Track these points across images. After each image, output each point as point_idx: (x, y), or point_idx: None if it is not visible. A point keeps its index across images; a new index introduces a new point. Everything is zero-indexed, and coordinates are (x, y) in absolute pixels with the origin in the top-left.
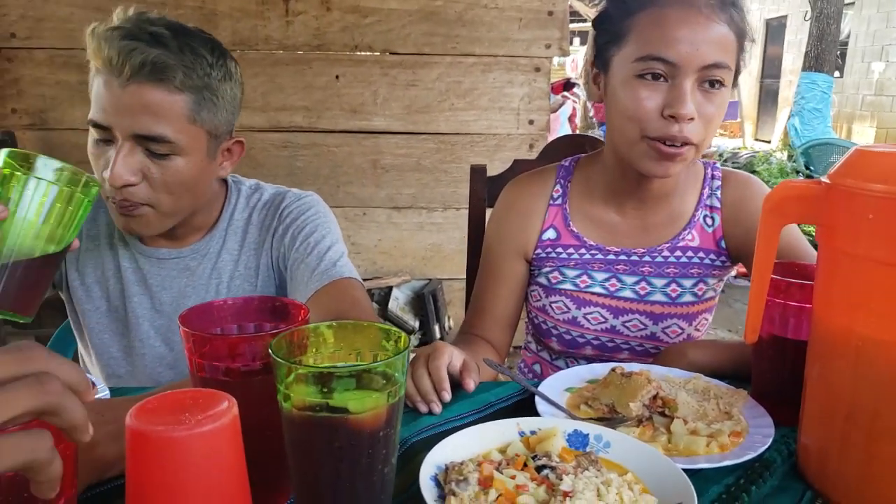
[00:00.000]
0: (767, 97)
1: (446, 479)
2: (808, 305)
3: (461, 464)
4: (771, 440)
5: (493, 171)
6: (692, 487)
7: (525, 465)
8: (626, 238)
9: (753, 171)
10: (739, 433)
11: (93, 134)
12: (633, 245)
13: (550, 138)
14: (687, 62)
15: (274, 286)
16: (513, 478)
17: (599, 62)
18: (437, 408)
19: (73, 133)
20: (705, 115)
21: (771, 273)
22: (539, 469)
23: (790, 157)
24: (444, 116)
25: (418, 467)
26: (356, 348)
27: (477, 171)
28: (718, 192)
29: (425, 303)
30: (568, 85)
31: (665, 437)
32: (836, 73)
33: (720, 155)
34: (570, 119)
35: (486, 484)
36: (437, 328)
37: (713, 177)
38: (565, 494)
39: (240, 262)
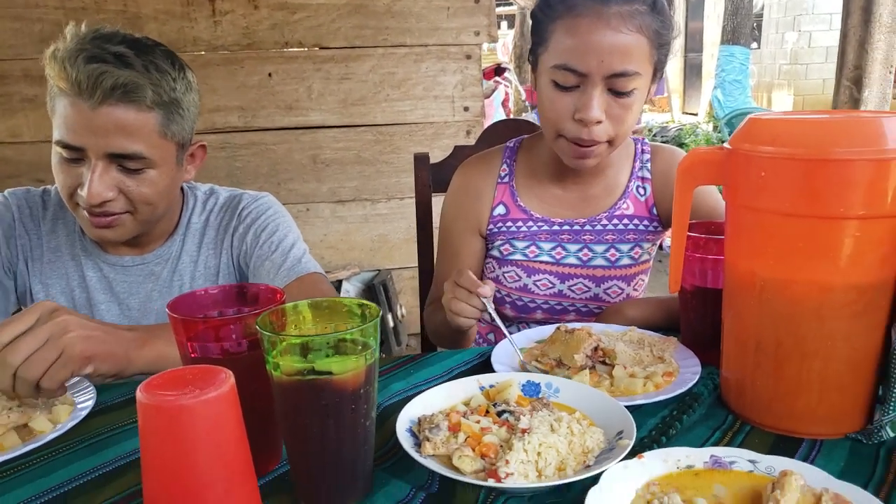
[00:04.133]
0: (692, 71)
1: (420, 429)
2: (721, 257)
3: (432, 415)
4: (698, 377)
5: (434, 158)
6: (631, 418)
7: (487, 412)
8: (569, 210)
9: (681, 144)
10: (671, 373)
11: (60, 153)
12: (574, 216)
13: (486, 124)
14: (595, 72)
15: (236, 280)
16: (477, 422)
17: (532, 58)
18: (483, 306)
19: None
20: (614, 115)
21: (687, 229)
22: (500, 414)
23: (715, 128)
24: (381, 108)
25: (394, 424)
26: (332, 321)
27: (420, 160)
28: (648, 165)
29: (376, 293)
30: (499, 70)
31: (608, 382)
32: (754, 44)
33: (650, 130)
34: (504, 103)
35: (455, 429)
36: (389, 317)
37: (643, 151)
38: (523, 431)
39: (199, 262)
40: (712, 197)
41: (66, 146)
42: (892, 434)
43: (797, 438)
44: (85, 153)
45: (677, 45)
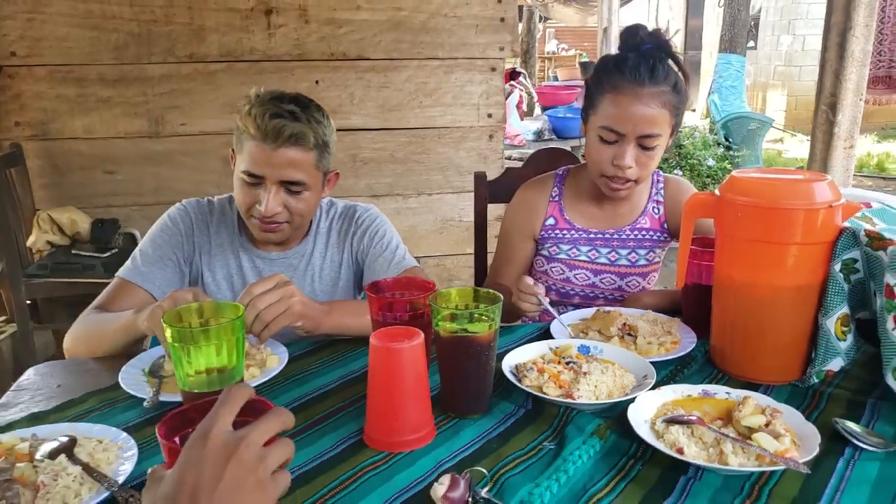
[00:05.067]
0: (691, 68)
1: (518, 371)
2: (712, 263)
3: (525, 363)
4: (694, 345)
5: (460, 159)
6: (652, 367)
7: (559, 362)
8: (602, 223)
9: (681, 146)
10: (676, 342)
11: (243, 178)
12: (606, 227)
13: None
14: (630, 133)
15: (352, 274)
16: (555, 367)
17: (584, 115)
18: (540, 303)
19: (73, 142)
20: (641, 163)
21: (689, 245)
22: (568, 363)
23: (711, 129)
24: (414, 113)
25: (500, 368)
26: (466, 301)
27: (479, 177)
28: (662, 191)
29: None
30: (514, 74)
31: (633, 347)
32: (751, 43)
33: None
34: (518, 106)
35: (541, 371)
36: None
37: (658, 181)
38: (584, 373)
39: (326, 258)
40: (707, 222)
41: (250, 174)
42: (817, 380)
43: (757, 384)
44: (263, 180)
45: (678, 40)
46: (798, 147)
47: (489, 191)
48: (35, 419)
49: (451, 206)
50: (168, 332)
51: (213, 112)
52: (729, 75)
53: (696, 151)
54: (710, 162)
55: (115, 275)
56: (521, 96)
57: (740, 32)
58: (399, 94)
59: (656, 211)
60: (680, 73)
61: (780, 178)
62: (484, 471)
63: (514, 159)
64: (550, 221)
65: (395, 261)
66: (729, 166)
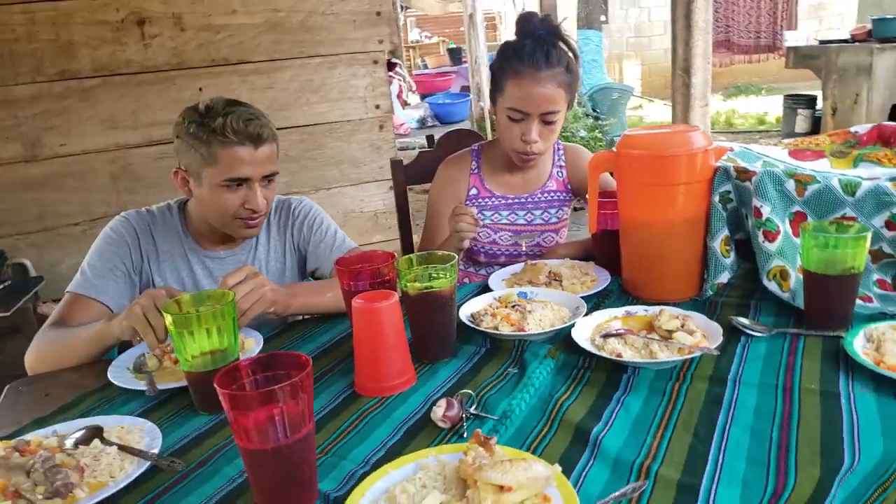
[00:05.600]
0: None
1: (474, 318)
2: (616, 211)
3: (479, 311)
4: (609, 281)
5: (352, 153)
6: (582, 300)
7: (506, 306)
8: (517, 189)
9: None
10: (595, 280)
11: (227, 185)
12: (521, 193)
13: None
14: (533, 112)
15: (296, 262)
16: (505, 311)
17: (492, 96)
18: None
19: None
20: (545, 136)
21: (597, 197)
22: (514, 306)
23: (579, 102)
24: (302, 111)
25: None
26: (424, 264)
27: (395, 164)
28: (563, 158)
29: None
30: (391, 65)
31: (561, 289)
32: (602, 17)
33: None
34: (398, 96)
35: (493, 315)
36: None
37: (558, 149)
38: (529, 311)
39: (270, 251)
40: (606, 178)
41: (235, 179)
42: (711, 293)
43: (666, 303)
44: (248, 180)
45: None
46: (656, 111)
47: (406, 174)
48: (39, 423)
49: (351, 198)
50: (169, 320)
51: (94, 129)
52: (589, 50)
53: (569, 124)
54: (583, 133)
55: (66, 290)
56: (399, 86)
57: (595, 9)
58: (285, 94)
59: (560, 175)
60: (570, 54)
61: (664, 132)
62: (471, 392)
63: (404, 148)
64: (473, 192)
65: (337, 245)
66: (599, 135)
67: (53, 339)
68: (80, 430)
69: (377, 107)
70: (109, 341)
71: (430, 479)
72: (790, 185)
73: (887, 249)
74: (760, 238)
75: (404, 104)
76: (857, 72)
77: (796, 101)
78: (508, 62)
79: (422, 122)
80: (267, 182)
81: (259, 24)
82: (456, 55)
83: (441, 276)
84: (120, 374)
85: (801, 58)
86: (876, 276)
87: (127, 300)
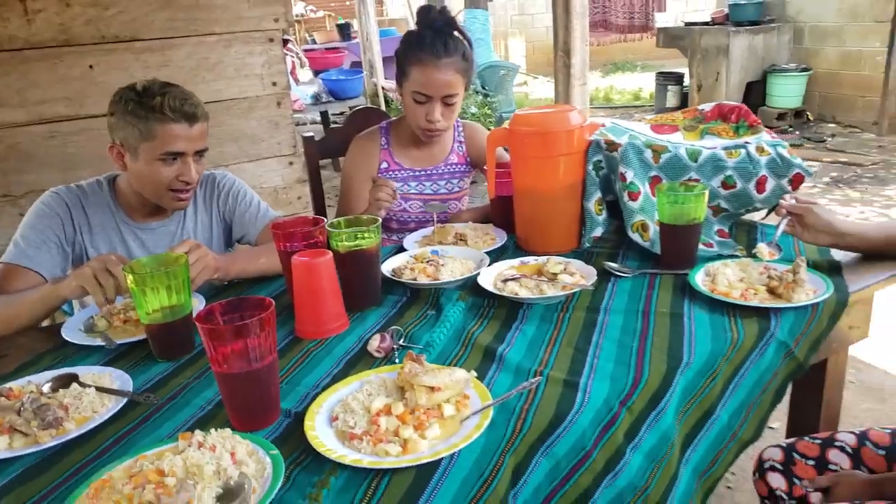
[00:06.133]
0: None
1: (395, 272)
2: (510, 179)
3: (398, 267)
4: (506, 239)
5: (251, 130)
6: (485, 255)
7: (421, 261)
8: (423, 162)
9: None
10: (494, 239)
11: (164, 159)
12: (426, 165)
13: None
14: (435, 95)
15: (222, 232)
16: (421, 266)
17: (398, 79)
18: (394, 196)
19: None
20: (446, 115)
21: (494, 168)
22: (428, 261)
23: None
24: (200, 89)
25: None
26: (356, 225)
27: (308, 140)
28: (462, 134)
29: None
30: (283, 41)
31: (466, 246)
32: None
33: None
34: (291, 72)
35: (412, 269)
36: None
37: (458, 126)
38: (442, 265)
39: (197, 222)
40: (500, 152)
41: (171, 153)
42: (588, 245)
43: (551, 254)
44: (183, 155)
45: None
46: (540, 87)
47: (318, 149)
48: (4, 379)
49: (251, 173)
50: (130, 279)
51: None
52: (476, 29)
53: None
54: (473, 109)
55: (0, 261)
56: (293, 62)
57: None
58: (181, 72)
59: (460, 150)
60: (466, 43)
61: (547, 112)
62: (399, 328)
63: (300, 124)
64: (384, 165)
65: (261, 214)
66: (489, 111)
67: None
68: (54, 378)
69: (274, 84)
70: (55, 302)
71: (374, 390)
72: (648, 154)
73: (724, 205)
74: (625, 198)
75: (297, 80)
76: (717, 52)
77: (666, 79)
78: (412, 51)
79: (316, 98)
80: (198, 157)
81: (150, 1)
82: (345, 31)
83: (367, 236)
84: (74, 334)
85: (670, 38)
86: (717, 227)
87: (60, 271)
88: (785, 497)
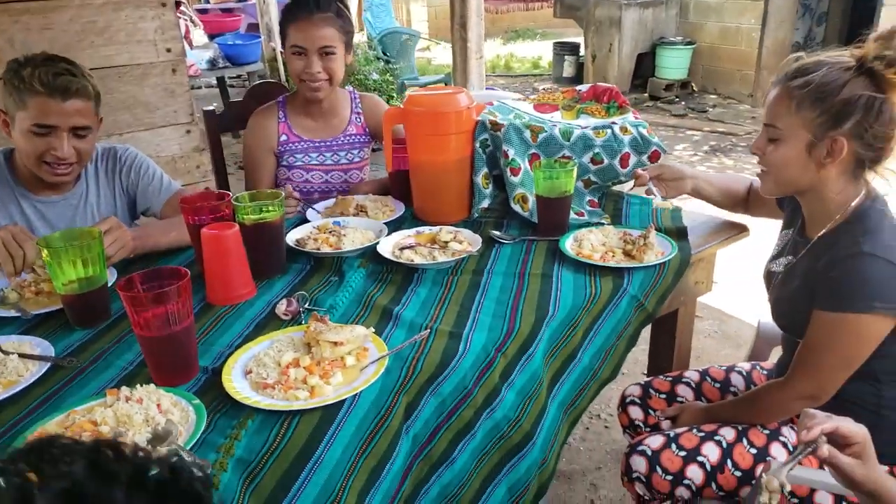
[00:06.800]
0: None
1: (299, 243)
2: (406, 155)
3: (302, 238)
4: (404, 210)
5: (145, 96)
6: (384, 225)
7: (324, 232)
8: (322, 133)
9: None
10: (392, 210)
11: (34, 130)
12: (326, 136)
13: None
14: (310, 48)
15: (125, 205)
16: (323, 238)
17: (283, 45)
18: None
19: None
20: (327, 68)
21: (391, 143)
22: (330, 232)
23: (370, 46)
24: (87, 54)
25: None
26: (259, 199)
27: (208, 114)
28: (360, 104)
29: None
30: (175, 4)
31: (367, 217)
32: None
33: None
34: (185, 36)
35: (315, 239)
36: None
37: (355, 98)
38: (343, 235)
39: (100, 195)
40: (398, 128)
41: (41, 126)
42: (476, 215)
43: (444, 223)
44: (55, 129)
45: None
46: (443, 53)
47: (218, 122)
48: None
49: (147, 142)
50: (45, 252)
51: None
52: None
53: (362, 66)
54: (375, 76)
55: None
56: (186, 26)
57: None
58: (66, 36)
59: (358, 121)
60: (339, 3)
61: (438, 94)
62: (304, 293)
63: (195, 88)
64: (283, 138)
65: (164, 187)
66: (391, 78)
67: None
68: None
69: (168, 50)
70: None
71: (283, 346)
72: (527, 133)
73: (594, 179)
74: (508, 173)
75: (192, 44)
76: (611, 24)
77: (563, 49)
78: (290, 12)
79: (212, 64)
80: (76, 135)
81: None
82: None
83: (271, 209)
84: None
85: (566, 8)
86: (588, 198)
87: None
88: (642, 426)
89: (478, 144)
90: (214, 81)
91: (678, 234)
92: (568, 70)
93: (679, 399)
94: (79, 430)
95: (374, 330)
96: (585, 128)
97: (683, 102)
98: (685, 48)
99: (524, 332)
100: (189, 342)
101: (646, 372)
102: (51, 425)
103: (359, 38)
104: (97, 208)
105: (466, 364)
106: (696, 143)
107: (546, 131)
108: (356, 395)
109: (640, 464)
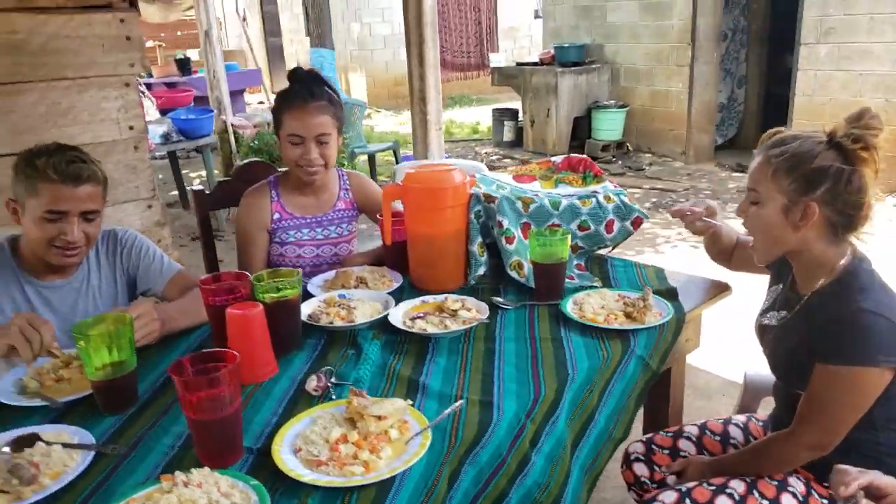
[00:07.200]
0: (274, 53)
1: (312, 318)
2: (404, 227)
3: (313, 312)
4: (402, 281)
5: (109, 173)
6: (388, 295)
7: (333, 305)
8: (313, 210)
9: None
10: (391, 281)
11: (45, 217)
12: (316, 213)
13: None
14: (307, 136)
15: (125, 285)
16: (335, 310)
17: (276, 132)
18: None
19: None
20: (324, 154)
21: (390, 217)
22: (339, 305)
23: None
24: (52, 134)
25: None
26: (278, 276)
27: (198, 194)
28: (347, 181)
29: None
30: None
31: (368, 288)
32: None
33: (268, 124)
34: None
35: (328, 314)
36: None
37: (342, 176)
38: (354, 308)
39: (101, 277)
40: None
41: (54, 212)
42: (473, 282)
43: (444, 292)
44: (66, 215)
45: (258, 29)
46: (384, 121)
47: (207, 201)
48: None
49: (109, 218)
50: (81, 342)
51: None
52: (323, 68)
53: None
54: None
55: None
56: (140, 102)
57: (326, 28)
58: (30, 118)
59: (346, 196)
60: (330, 91)
61: (435, 171)
62: (331, 367)
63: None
64: (276, 216)
65: (164, 268)
66: (342, 147)
67: None
68: (11, 440)
69: (131, 128)
70: None
71: (327, 422)
72: (519, 204)
73: (581, 244)
74: (503, 242)
75: (145, 117)
76: (547, 90)
77: (502, 114)
78: (284, 102)
79: (166, 138)
80: (86, 219)
81: None
82: (185, 65)
83: (289, 287)
84: (10, 397)
85: (504, 77)
86: (575, 262)
87: None
88: (648, 482)
89: (472, 216)
90: (167, 156)
91: (669, 294)
92: (508, 135)
93: (682, 454)
94: None
95: (411, 402)
96: (572, 197)
97: (620, 161)
98: (619, 111)
99: (549, 397)
100: (238, 424)
101: (642, 429)
102: None
103: None
104: (98, 290)
105: (501, 432)
106: (638, 199)
107: (536, 202)
108: (408, 468)
109: None
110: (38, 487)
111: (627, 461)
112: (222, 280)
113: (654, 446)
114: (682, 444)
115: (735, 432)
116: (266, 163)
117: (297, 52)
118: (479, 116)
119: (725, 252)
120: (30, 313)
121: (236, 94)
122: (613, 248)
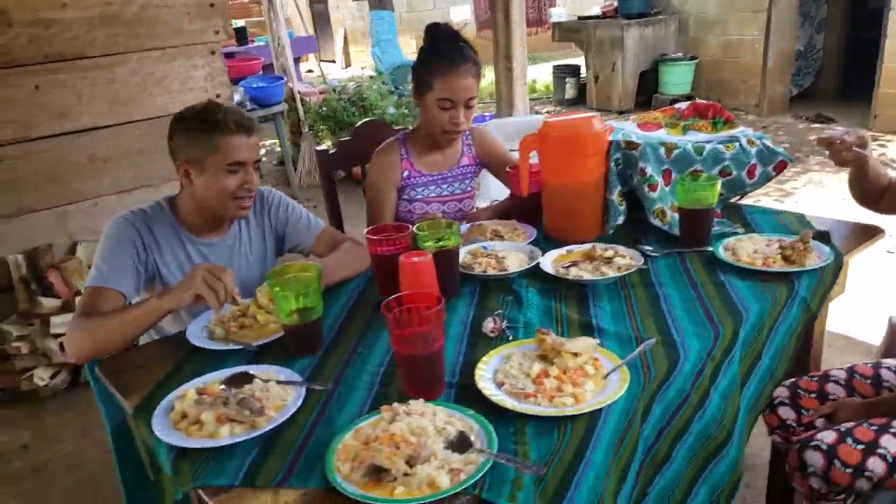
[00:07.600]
0: (321, 20)
1: (465, 267)
2: (538, 177)
3: (464, 262)
4: (536, 231)
5: None
6: (531, 246)
7: (480, 256)
8: (439, 167)
9: (364, 97)
10: (524, 233)
11: (230, 169)
12: (442, 170)
13: None
14: (459, 100)
15: (273, 242)
16: (484, 258)
17: (419, 93)
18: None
19: None
20: (467, 116)
21: (527, 168)
22: (487, 255)
23: (383, 81)
24: (146, 104)
25: None
26: (437, 228)
27: (320, 152)
28: (470, 136)
29: None
30: None
31: (504, 240)
32: None
33: (334, 89)
34: None
35: (479, 263)
36: None
37: (466, 131)
38: (503, 257)
39: (251, 236)
40: (509, 155)
41: (237, 163)
42: (611, 231)
43: (581, 241)
44: (244, 164)
45: None
46: None
47: (330, 161)
48: (163, 386)
49: None
50: (276, 287)
51: None
52: (384, 30)
53: (378, 102)
54: (392, 110)
55: (85, 286)
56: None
57: None
58: (127, 88)
59: (470, 152)
60: (471, 49)
61: (573, 118)
62: (502, 311)
63: None
64: (405, 174)
65: (311, 225)
66: (406, 111)
67: (94, 326)
68: (227, 378)
69: (217, 96)
70: (157, 317)
71: (521, 360)
72: (662, 151)
73: (721, 190)
74: (646, 189)
75: None
76: (612, 44)
77: (563, 71)
78: (432, 62)
79: (241, 106)
80: (256, 166)
81: (91, 17)
82: (242, 35)
83: (450, 237)
84: (207, 343)
85: (566, 32)
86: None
87: (135, 291)
88: (794, 425)
89: (612, 163)
90: None
91: (821, 237)
92: (570, 92)
93: (831, 397)
94: (386, 441)
95: (598, 341)
96: (714, 142)
97: None
98: (688, 63)
99: (727, 337)
100: (441, 359)
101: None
102: (348, 440)
103: (370, 73)
104: (250, 248)
105: (686, 369)
106: None
107: (679, 148)
108: (613, 401)
109: (816, 458)
110: (267, 418)
111: (771, 405)
112: (387, 231)
113: (799, 390)
114: (830, 387)
115: (888, 375)
116: (384, 122)
117: (344, 17)
118: (536, 75)
119: (873, 192)
120: (209, 264)
121: (297, 62)
122: (743, 197)
